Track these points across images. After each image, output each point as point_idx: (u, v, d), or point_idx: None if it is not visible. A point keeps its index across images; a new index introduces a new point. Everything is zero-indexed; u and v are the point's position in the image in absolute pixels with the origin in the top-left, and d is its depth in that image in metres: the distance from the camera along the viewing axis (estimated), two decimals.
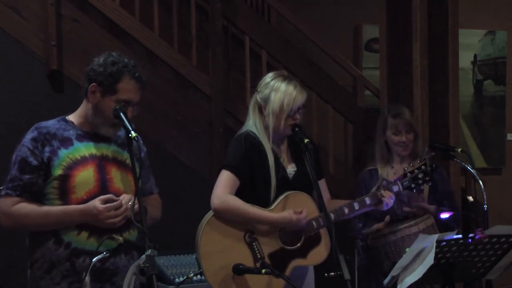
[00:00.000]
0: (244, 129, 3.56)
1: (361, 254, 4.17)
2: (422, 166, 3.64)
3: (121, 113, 2.94)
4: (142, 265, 2.64)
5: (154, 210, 3.23)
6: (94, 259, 2.80)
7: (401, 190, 3.62)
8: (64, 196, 2.96)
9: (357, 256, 4.20)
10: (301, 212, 3.38)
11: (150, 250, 2.65)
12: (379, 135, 4.18)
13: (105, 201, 2.92)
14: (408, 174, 3.64)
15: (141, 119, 4.94)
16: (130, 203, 2.91)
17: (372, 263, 4.07)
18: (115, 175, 3.03)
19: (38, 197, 2.98)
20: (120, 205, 2.92)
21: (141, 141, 3.23)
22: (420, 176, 3.64)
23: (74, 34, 4.99)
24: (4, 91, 4.84)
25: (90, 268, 2.78)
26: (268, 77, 3.55)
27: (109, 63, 3.00)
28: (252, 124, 3.53)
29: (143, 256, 2.65)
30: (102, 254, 2.84)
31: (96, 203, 2.91)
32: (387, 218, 3.95)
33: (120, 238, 2.90)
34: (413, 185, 3.64)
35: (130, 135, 2.86)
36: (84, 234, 2.96)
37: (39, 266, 3.00)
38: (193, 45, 5.44)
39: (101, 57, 3.04)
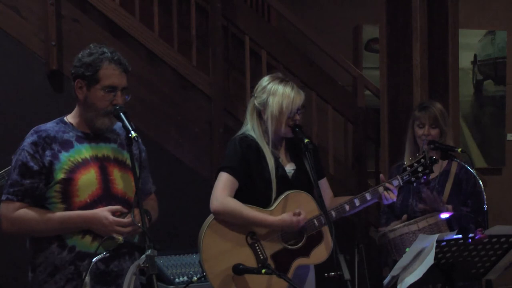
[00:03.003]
0: (240, 132, 3.56)
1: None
2: (421, 159, 3.65)
3: (121, 113, 2.95)
4: (142, 265, 2.65)
5: (153, 212, 3.22)
6: (94, 259, 2.79)
7: (401, 184, 3.62)
8: (67, 199, 2.95)
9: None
10: (299, 214, 3.38)
11: (150, 250, 2.65)
12: (409, 128, 4.17)
13: (114, 212, 2.94)
14: (408, 168, 3.65)
15: (141, 119, 4.94)
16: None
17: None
18: (117, 176, 3.03)
19: (40, 202, 2.96)
20: (129, 224, 2.92)
21: (140, 141, 3.23)
22: (419, 169, 3.64)
23: (74, 34, 4.99)
24: (4, 91, 4.84)
25: (90, 269, 2.77)
26: (264, 81, 3.54)
27: (86, 55, 3.01)
28: (251, 128, 3.53)
29: (143, 256, 2.65)
30: (102, 254, 2.84)
31: (107, 213, 2.92)
32: (404, 216, 3.95)
33: (120, 238, 2.90)
34: (413, 179, 3.64)
35: (130, 135, 2.87)
36: (88, 238, 2.96)
37: (42, 269, 2.99)
38: (193, 45, 5.43)
39: (80, 53, 3.06)
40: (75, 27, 5.01)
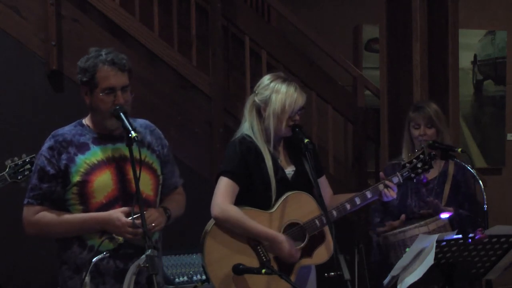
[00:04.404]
0: (239, 132, 3.55)
1: (375, 249, 4.14)
2: (420, 156, 3.65)
3: (121, 113, 2.97)
4: (142, 265, 2.65)
5: (177, 208, 3.28)
6: (94, 259, 2.82)
7: (401, 181, 3.62)
8: (85, 201, 3.02)
9: (372, 251, 4.17)
10: (298, 252, 3.39)
11: (150, 250, 2.65)
12: (406, 129, 4.18)
13: (127, 214, 2.97)
14: (407, 165, 3.64)
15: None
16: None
17: (384, 260, 4.04)
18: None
19: (59, 204, 3.05)
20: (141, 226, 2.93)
21: (162, 136, 3.29)
22: (419, 165, 3.64)
23: (74, 34, 4.99)
24: (4, 91, 4.84)
25: (90, 268, 2.80)
26: (267, 79, 3.54)
27: (84, 60, 3.06)
28: (249, 126, 3.52)
29: (143, 256, 2.65)
30: (102, 254, 2.85)
31: (120, 215, 2.96)
32: (403, 216, 3.94)
33: (120, 238, 2.92)
34: (412, 175, 3.64)
35: (130, 135, 2.88)
36: None
37: (67, 267, 3.08)
38: (193, 45, 5.44)
39: (80, 59, 3.09)
40: (75, 27, 5.01)
